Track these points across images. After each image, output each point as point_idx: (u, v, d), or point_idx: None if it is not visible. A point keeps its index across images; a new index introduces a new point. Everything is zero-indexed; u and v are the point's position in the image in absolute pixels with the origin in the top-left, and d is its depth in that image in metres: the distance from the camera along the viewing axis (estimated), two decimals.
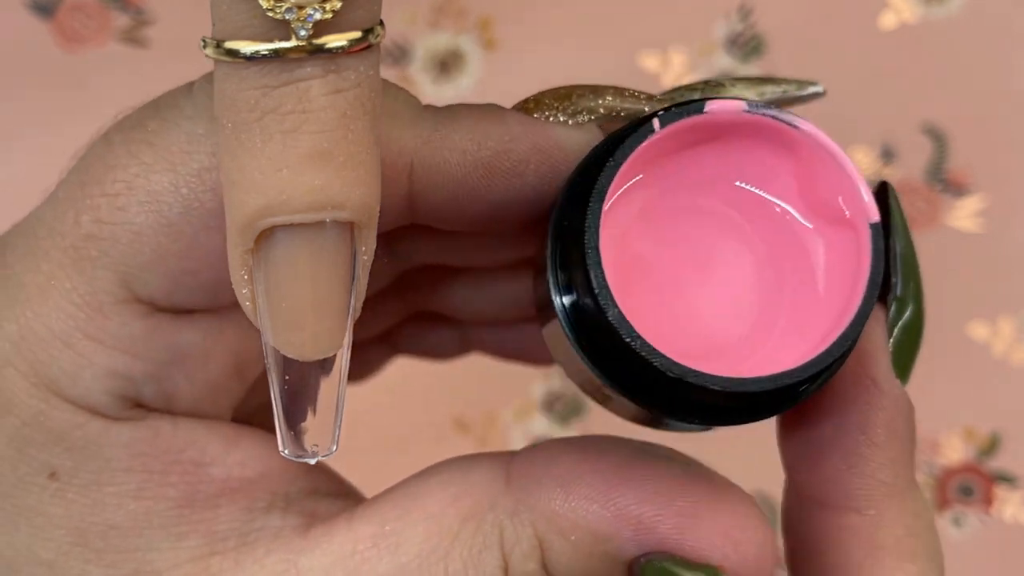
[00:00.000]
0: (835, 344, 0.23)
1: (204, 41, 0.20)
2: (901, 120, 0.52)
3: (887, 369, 0.25)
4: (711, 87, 0.27)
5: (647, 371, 0.22)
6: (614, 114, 0.26)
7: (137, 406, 0.25)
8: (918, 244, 0.26)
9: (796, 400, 0.24)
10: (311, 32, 0.20)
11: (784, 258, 0.24)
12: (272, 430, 0.26)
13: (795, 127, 0.23)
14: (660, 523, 0.24)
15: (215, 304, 0.25)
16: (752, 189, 0.25)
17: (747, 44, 0.51)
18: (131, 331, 0.24)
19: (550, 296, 0.24)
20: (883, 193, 0.26)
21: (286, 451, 0.23)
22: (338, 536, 0.25)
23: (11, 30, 0.50)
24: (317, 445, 0.23)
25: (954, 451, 0.54)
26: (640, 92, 0.26)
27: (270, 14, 0.19)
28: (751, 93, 0.27)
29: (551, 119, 0.26)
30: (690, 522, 0.24)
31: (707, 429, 0.25)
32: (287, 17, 0.19)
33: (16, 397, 0.24)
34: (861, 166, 0.50)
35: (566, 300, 0.24)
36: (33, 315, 0.24)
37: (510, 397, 0.55)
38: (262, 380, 0.25)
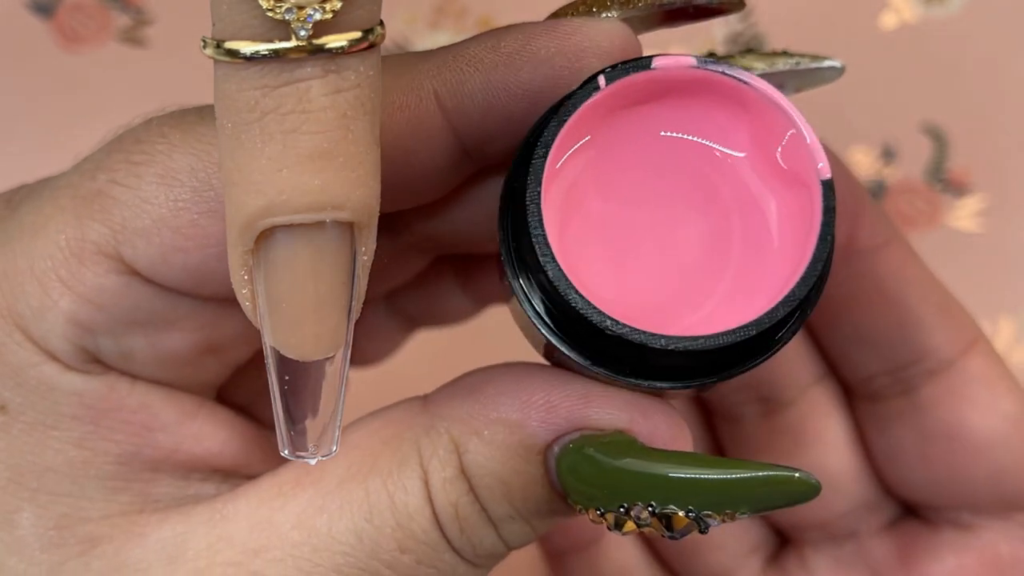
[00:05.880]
0: (780, 303, 0.22)
1: (204, 41, 0.20)
2: (901, 120, 0.51)
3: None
4: (719, 59, 0.26)
5: (591, 331, 0.22)
6: (631, 6, 0.26)
7: (96, 361, 0.26)
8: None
9: (742, 365, 0.23)
10: (311, 32, 0.20)
11: (736, 215, 0.24)
12: (266, 420, 0.26)
13: (746, 83, 0.23)
14: (564, 402, 0.24)
15: (194, 291, 0.25)
16: (704, 143, 0.24)
17: (747, 44, 0.51)
18: (102, 283, 0.25)
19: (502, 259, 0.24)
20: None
21: (286, 451, 0.23)
22: (263, 483, 0.26)
23: (11, 30, 0.50)
24: (317, 445, 0.23)
25: None
26: None
27: (270, 14, 0.19)
28: (761, 65, 0.27)
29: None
30: (595, 394, 0.24)
31: (660, 392, 0.24)
32: (287, 17, 0.19)
33: None
34: (861, 166, 0.50)
35: (515, 259, 0.24)
36: (20, 251, 0.25)
37: None
38: (258, 368, 0.26)
